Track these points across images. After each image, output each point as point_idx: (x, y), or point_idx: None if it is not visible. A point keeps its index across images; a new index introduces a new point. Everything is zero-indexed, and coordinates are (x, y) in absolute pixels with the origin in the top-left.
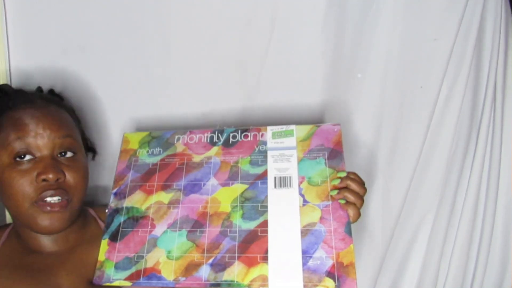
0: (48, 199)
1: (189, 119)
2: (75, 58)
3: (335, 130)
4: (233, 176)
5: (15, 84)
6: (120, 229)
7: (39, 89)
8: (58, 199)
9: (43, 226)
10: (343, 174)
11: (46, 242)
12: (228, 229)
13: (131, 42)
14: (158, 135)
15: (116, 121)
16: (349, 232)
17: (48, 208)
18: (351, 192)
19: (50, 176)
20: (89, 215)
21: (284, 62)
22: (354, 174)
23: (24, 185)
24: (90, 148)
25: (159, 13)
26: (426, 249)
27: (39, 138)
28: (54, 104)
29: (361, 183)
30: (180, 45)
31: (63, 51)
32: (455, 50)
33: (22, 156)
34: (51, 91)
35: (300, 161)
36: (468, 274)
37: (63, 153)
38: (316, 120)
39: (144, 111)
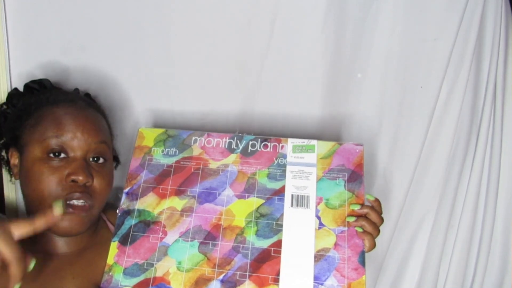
0: (74, 201)
1: (189, 119)
2: (75, 57)
3: (357, 150)
4: (250, 189)
5: (15, 84)
6: (131, 232)
7: (77, 91)
8: (82, 203)
9: (62, 227)
10: (372, 198)
11: (58, 243)
12: (241, 245)
13: (131, 42)
14: (174, 134)
15: (116, 121)
16: (362, 262)
17: (71, 210)
18: (369, 222)
19: (80, 178)
20: (101, 218)
21: (284, 62)
22: (377, 203)
23: (53, 182)
24: (115, 157)
25: (159, 13)
26: (426, 249)
27: (77, 140)
28: (93, 108)
29: (380, 213)
30: (180, 45)
31: (63, 51)
32: (455, 50)
33: (56, 154)
34: (87, 95)
35: (319, 180)
36: (468, 274)
37: (95, 158)
38: (315, 120)
39: (143, 111)
